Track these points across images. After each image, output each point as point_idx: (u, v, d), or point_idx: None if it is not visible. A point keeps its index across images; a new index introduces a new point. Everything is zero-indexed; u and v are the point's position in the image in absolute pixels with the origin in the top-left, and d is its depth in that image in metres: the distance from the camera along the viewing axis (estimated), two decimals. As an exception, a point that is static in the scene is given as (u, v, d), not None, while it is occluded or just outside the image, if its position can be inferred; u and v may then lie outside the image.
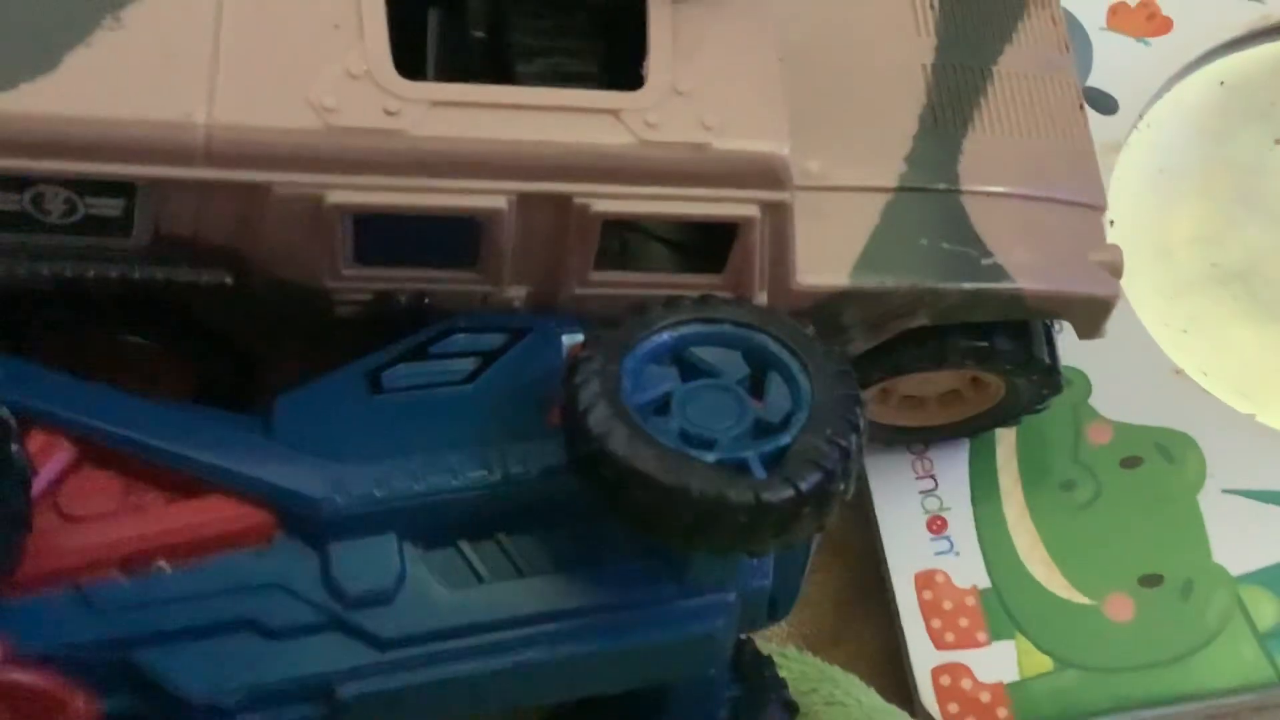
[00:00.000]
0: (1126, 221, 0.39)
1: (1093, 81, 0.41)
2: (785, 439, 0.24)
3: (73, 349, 0.27)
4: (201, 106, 0.25)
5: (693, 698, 0.29)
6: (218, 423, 0.26)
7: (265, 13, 0.26)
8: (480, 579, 0.26)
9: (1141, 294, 0.39)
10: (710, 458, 0.24)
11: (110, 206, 0.26)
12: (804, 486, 0.23)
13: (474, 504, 0.26)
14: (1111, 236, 0.39)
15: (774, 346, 0.25)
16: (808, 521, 0.24)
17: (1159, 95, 0.41)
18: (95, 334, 0.28)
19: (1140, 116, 0.41)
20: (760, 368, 0.25)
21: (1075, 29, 0.42)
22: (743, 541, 0.24)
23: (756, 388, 0.25)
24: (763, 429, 0.24)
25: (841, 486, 0.24)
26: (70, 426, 0.25)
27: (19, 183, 0.25)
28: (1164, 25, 0.41)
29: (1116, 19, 0.42)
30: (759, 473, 0.23)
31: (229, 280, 0.28)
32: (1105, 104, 0.41)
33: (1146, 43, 0.41)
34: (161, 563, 0.25)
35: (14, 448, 0.22)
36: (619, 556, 0.26)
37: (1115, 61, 0.42)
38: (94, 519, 0.25)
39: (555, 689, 0.27)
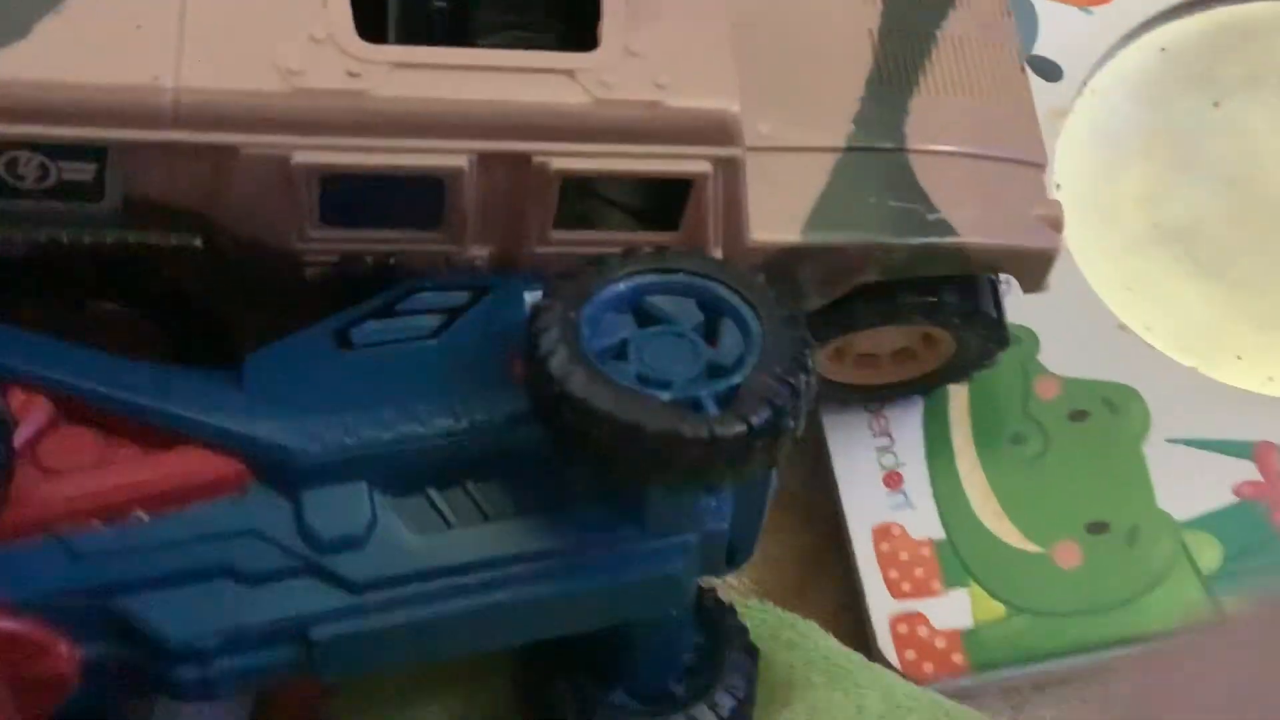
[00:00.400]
0: (1072, 185, 0.41)
1: (1038, 50, 0.43)
2: (737, 379, 0.25)
3: (48, 314, 0.28)
4: (169, 70, 0.26)
5: (657, 640, 0.31)
6: (191, 378, 0.27)
7: None
8: (449, 524, 0.27)
9: (1087, 254, 0.40)
10: (666, 397, 0.25)
11: (82, 171, 0.27)
12: (755, 421, 0.24)
13: (441, 452, 0.27)
14: (1058, 199, 0.41)
15: (726, 294, 0.27)
16: (760, 456, 0.25)
17: (1102, 62, 0.43)
18: (69, 299, 0.28)
19: (1084, 83, 0.43)
20: (713, 314, 0.26)
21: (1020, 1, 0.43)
22: (698, 476, 0.25)
23: (710, 333, 0.26)
24: (716, 370, 0.26)
25: (792, 422, 0.25)
26: (48, 385, 0.26)
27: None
28: None
29: None
30: (712, 410, 0.25)
31: (199, 243, 0.29)
32: (1050, 71, 0.42)
33: (1089, 12, 0.43)
34: (139, 512, 0.26)
35: (-4, 402, 0.23)
36: (582, 501, 0.27)
37: (1059, 30, 0.43)
38: (72, 471, 0.26)
39: (523, 630, 0.28)
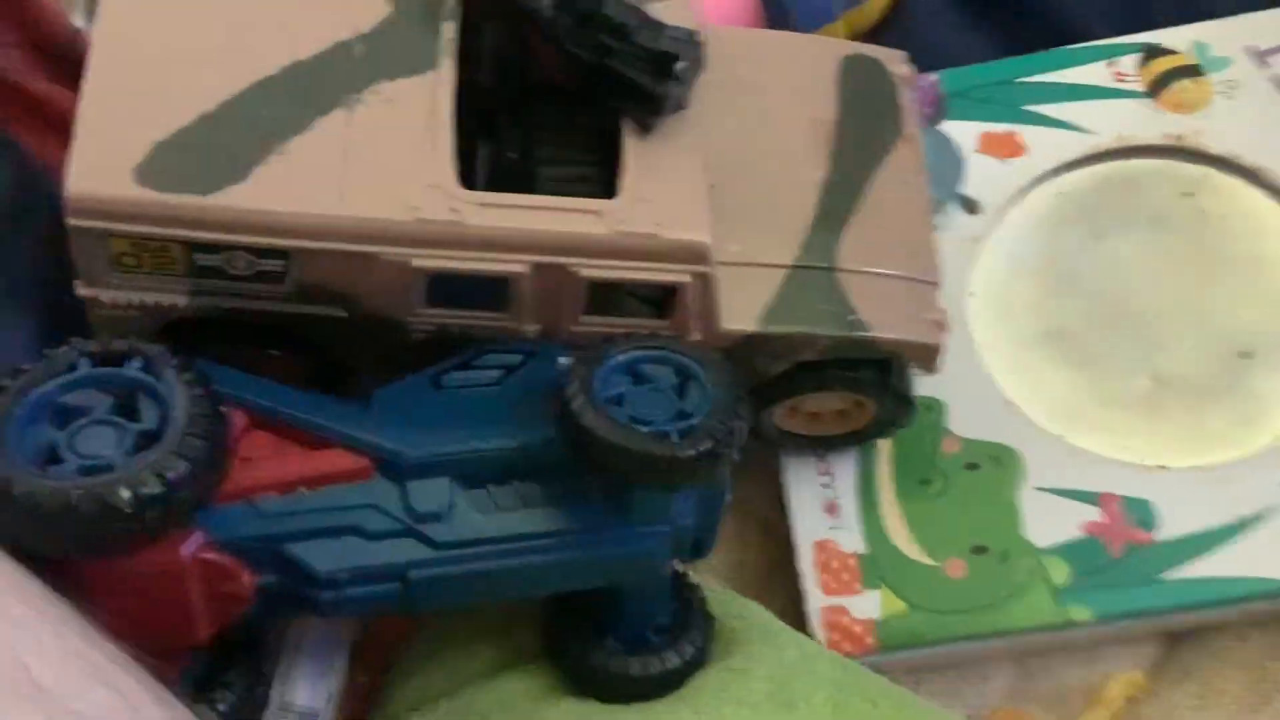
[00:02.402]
0: (982, 293, 0.49)
1: (965, 190, 0.51)
2: (695, 421, 0.36)
3: (240, 356, 0.39)
4: (335, 203, 0.36)
5: (640, 602, 0.40)
6: (337, 403, 0.38)
7: (375, 146, 0.37)
8: (499, 509, 0.37)
9: (987, 346, 0.48)
10: (646, 430, 0.35)
11: (274, 265, 0.37)
12: (702, 449, 0.35)
13: (498, 461, 0.37)
14: (972, 304, 0.49)
15: (692, 365, 0.37)
16: (706, 471, 0.35)
17: (1013, 201, 0.50)
18: (253, 347, 0.39)
19: (999, 217, 0.50)
20: (683, 378, 0.37)
21: (954, 151, 0.51)
22: (666, 482, 0.36)
23: (680, 391, 0.37)
24: (682, 415, 0.36)
25: (726, 450, 0.35)
26: (242, 403, 0.36)
27: (219, 248, 0.37)
28: (1020, 150, 0.51)
29: (986, 144, 0.51)
30: (676, 439, 0.35)
31: (342, 314, 0.39)
32: (973, 207, 0.50)
33: (1006, 162, 0.51)
34: (302, 489, 0.35)
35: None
36: (590, 498, 0.37)
37: (982, 176, 0.51)
38: (259, 460, 0.35)
39: (546, 585, 0.38)
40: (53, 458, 0.33)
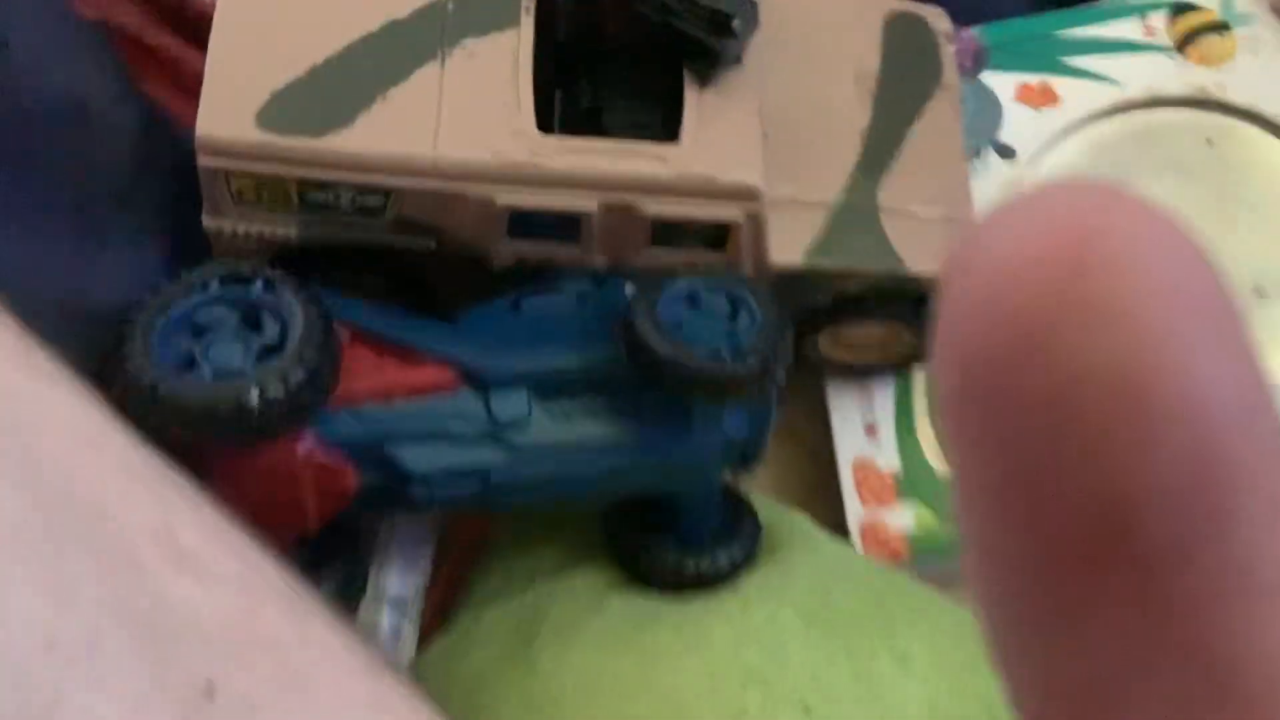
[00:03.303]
0: None
1: (1002, 137, 0.54)
2: (746, 342, 0.40)
3: (337, 282, 0.44)
4: (430, 145, 0.41)
5: (695, 505, 0.43)
6: (428, 323, 0.42)
7: (464, 95, 0.41)
8: (570, 419, 0.40)
9: None
10: (702, 350, 0.40)
11: (375, 200, 0.41)
12: (750, 366, 0.39)
13: (572, 375, 0.40)
14: None
15: (744, 294, 0.40)
16: (754, 386, 0.39)
17: (1047, 148, 0.53)
18: (354, 272, 0.44)
19: (1033, 162, 0.53)
20: (735, 306, 0.40)
21: (992, 100, 0.54)
22: (719, 396, 0.39)
23: (733, 316, 0.40)
24: (732, 338, 0.39)
25: (772, 369, 0.39)
26: (345, 322, 0.40)
27: (327, 185, 0.41)
28: (1054, 99, 0.54)
29: (1022, 94, 0.54)
30: (728, 358, 0.39)
31: (433, 245, 0.43)
32: (1009, 154, 0.54)
33: (1041, 112, 0.54)
34: (398, 398, 0.39)
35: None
36: (651, 411, 0.40)
37: (1018, 124, 0.54)
38: (361, 373, 0.39)
39: (609, 488, 0.42)
40: (189, 364, 0.38)
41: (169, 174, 0.46)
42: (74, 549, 0.30)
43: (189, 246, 0.44)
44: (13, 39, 0.43)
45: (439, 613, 0.48)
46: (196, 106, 0.47)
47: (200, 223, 0.43)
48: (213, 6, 0.50)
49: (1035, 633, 0.12)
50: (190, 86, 0.49)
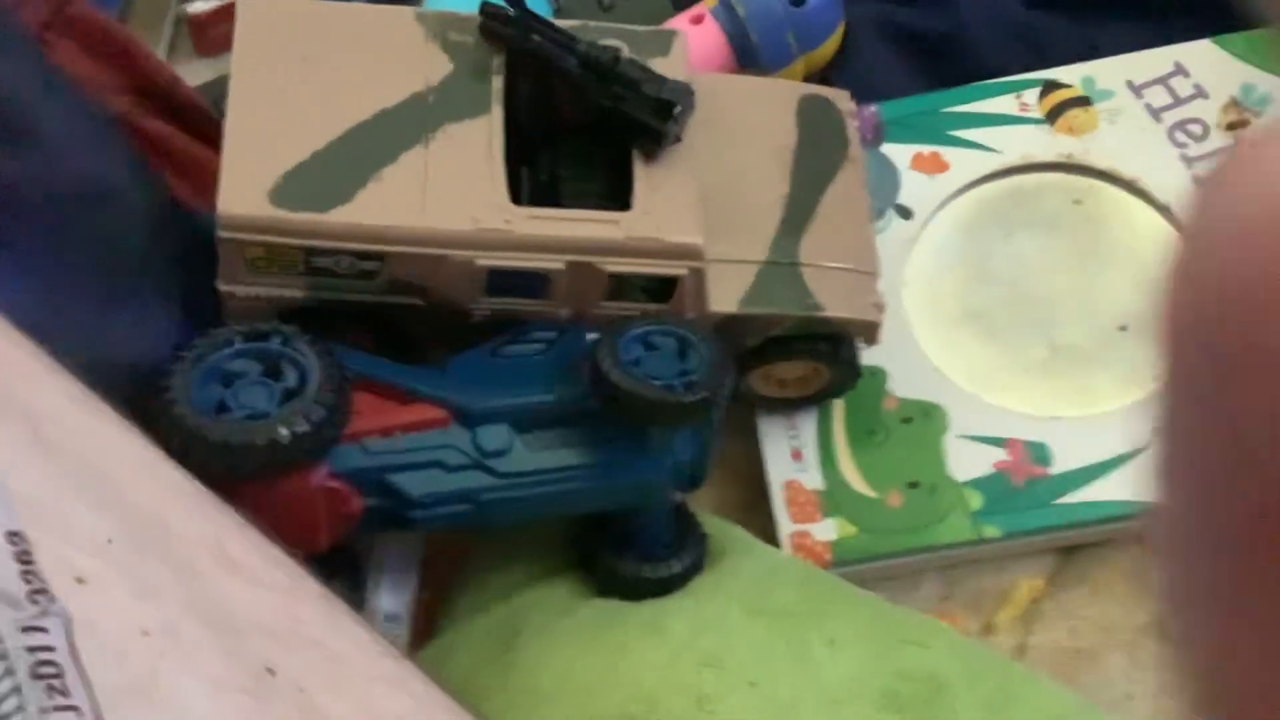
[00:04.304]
0: (914, 284, 0.58)
1: (900, 200, 0.59)
2: (694, 377, 0.47)
3: (335, 336, 0.51)
4: (419, 216, 0.46)
5: (652, 519, 0.48)
6: (420, 369, 0.47)
7: (446, 173, 0.47)
8: (544, 448, 0.45)
9: (920, 325, 0.57)
10: (658, 384, 0.46)
11: (372, 265, 0.46)
12: (699, 397, 0.45)
13: (544, 411, 0.46)
14: (906, 292, 0.59)
15: (691, 336, 0.46)
16: (701, 415, 0.45)
17: (939, 209, 0.59)
18: (350, 331, 0.49)
19: (927, 222, 0.59)
20: (683, 346, 0.46)
21: (891, 168, 0.61)
22: (670, 423, 0.45)
23: (682, 355, 0.46)
24: (683, 373, 0.45)
25: (718, 399, 0.45)
26: (352, 370, 0.45)
27: (330, 253, 0.47)
28: (944, 166, 0.61)
29: (916, 163, 0.61)
30: (680, 391, 0.45)
31: (420, 303, 0.48)
32: (907, 214, 0.59)
33: (933, 177, 0.60)
34: (398, 433, 0.45)
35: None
36: (613, 438, 0.46)
37: (914, 188, 0.59)
38: (365, 413, 0.45)
39: (578, 506, 0.47)
40: (221, 408, 0.44)
41: (178, 245, 0.52)
42: (152, 558, 0.36)
43: (198, 308, 0.50)
44: (45, 129, 0.49)
45: (425, 624, 0.54)
46: (186, 181, 0.53)
47: (206, 285, 0.49)
48: (194, 93, 0.57)
49: (1231, 603, 0.11)
50: (178, 162, 0.56)
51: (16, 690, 0.29)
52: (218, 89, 0.61)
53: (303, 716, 0.35)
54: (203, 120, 0.59)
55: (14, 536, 0.31)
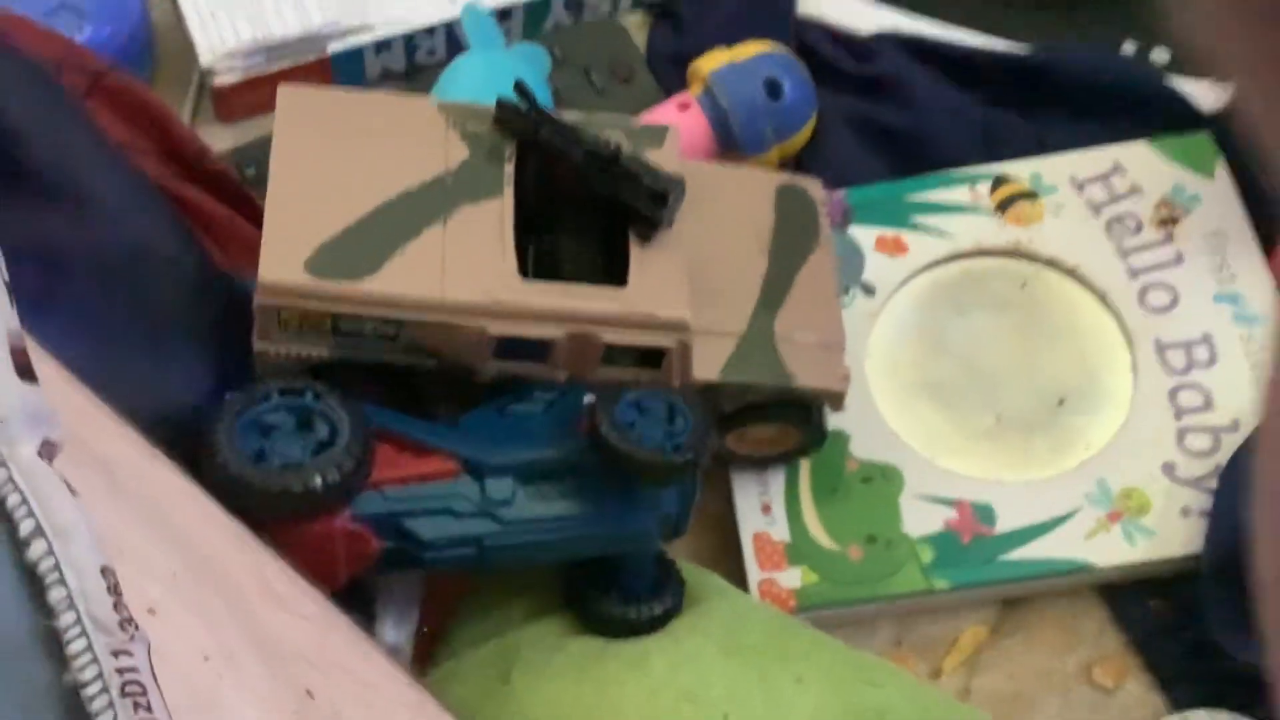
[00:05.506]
0: (877, 355, 0.62)
1: (864, 277, 0.64)
2: (681, 439, 0.52)
3: (354, 390, 0.56)
4: (438, 289, 0.50)
5: (637, 565, 0.52)
6: (434, 424, 0.52)
7: (462, 249, 0.53)
8: (544, 498, 0.49)
9: (880, 393, 0.61)
10: (650, 445, 0.51)
11: (392, 329, 0.50)
12: (686, 458, 0.49)
13: (545, 465, 0.49)
14: (868, 362, 0.64)
15: (677, 402, 0.51)
16: (687, 473, 0.49)
17: (899, 287, 0.64)
18: (370, 387, 0.54)
19: (888, 299, 0.63)
20: (671, 411, 0.51)
21: (856, 249, 0.66)
22: (662, 479, 0.49)
23: (670, 419, 0.51)
24: (671, 436, 0.50)
25: (702, 459, 0.49)
26: (371, 423, 0.54)
27: (356, 318, 0.51)
28: (904, 249, 0.66)
29: (880, 244, 0.65)
30: (669, 452, 0.51)
31: (433, 363, 0.53)
32: (870, 291, 0.64)
33: (894, 258, 0.64)
34: (414, 482, 0.50)
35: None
36: (605, 491, 0.49)
37: (877, 268, 0.64)
38: (385, 463, 0.49)
39: (572, 551, 0.50)
40: (259, 457, 0.49)
41: (214, 305, 0.57)
42: (209, 591, 0.41)
43: (233, 362, 0.55)
44: (97, 193, 0.54)
45: (424, 657, 0.59)
46: (216, 244, 0.58)
47: (238, 342, 0.55)
48: (221, 161, 0.62)
49: None
50: (209, 226, 0.61)
51: (110, 706, 0.34)
52: (240, 155, 0.67)
53: (337, 734, 0.40)
54: (229, 186, 0.64)
55: (105, 571, 0.36)
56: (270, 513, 0.48)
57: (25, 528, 0.33)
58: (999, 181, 0.67)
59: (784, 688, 0.51)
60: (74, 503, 0.34)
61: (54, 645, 0.32)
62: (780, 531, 0.59)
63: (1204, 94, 0.71)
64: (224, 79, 0.70)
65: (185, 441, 0.51)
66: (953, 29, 0.74)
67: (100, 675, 0.33)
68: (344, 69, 0.72)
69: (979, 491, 0.60)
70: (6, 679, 0.32)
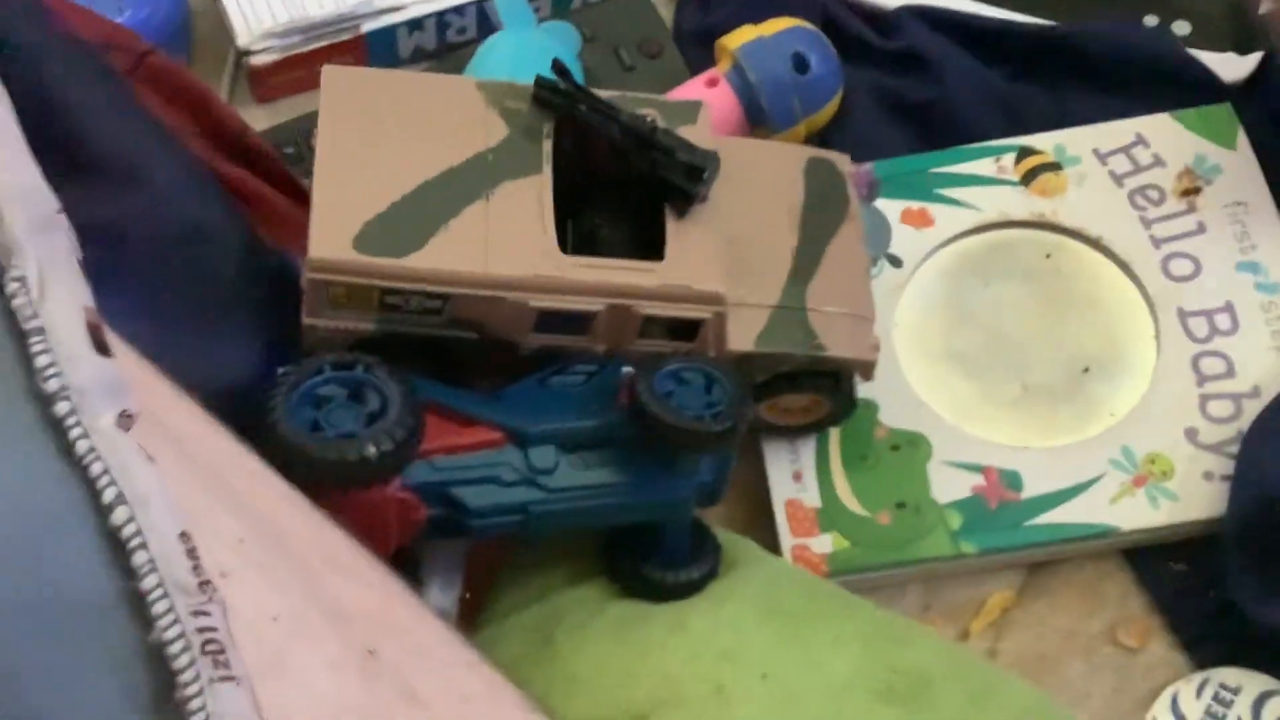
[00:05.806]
0: (904, 326, 0.63)
1: (891, 250, 0.65)
2: (719, 409, 0.54)
3: (407, 364, 0.57)
4: (482, 263, 0.51)
5: (675, 531, 0.53)
6: (479, 395, 0.53)
7: (504, 225, 0.54)
8: (586, 466, 0.50)
9: (908, 362, 0.62)
10: (689, 414, 0.53)
11: (436, 304, 0.51)
12: (725, 426, 0.50)
13: (586, 435, 0.50)
14: (897, 335, 0.65)
15: (715, 372, 0.52)
16: (726, 442, 0.51)
17: (926, 258, 0.64)
18: (413, 361, 0.55)
19: (915, 270, 0.64)
20: (709, 380, 0.52)
21: (883, 222, 0.66)
22: (700, 447, 0.51)
23: (708, 389, 0.52)
24: (710, 405, 0.51)
25: (740, 427, 0.50)
26: (420, 396, 0.54)
27: (402, 292, 0.53)
28: (930, 221, 0.66)
29: (906, 217, 0.66)
30: (708, 420, 0.51)
31: (476, 337, 0.54)
32: (897, 263, 0.65)
33: (921, 231, 0.65)
34: (461, 452, 0.50)
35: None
36: (645, 460, 0.51)
37: (904, 240, 0.64)
38: (434, 434, 0.49)
39: (613, 518, 0.52)
40: (314, 428, 0.51)
41: (262, 280, 0.58)
42: (274, 555, 0.43)
43: (279, 337, 0.57)
44: (149, 172, 0.56)
45: (468, 621, 0.61)
46: (261, 221, 0.60)
47: (285, 317, 0.56)
48: (262, 139, 0.63)
49: None
50: (252, 204, 0.62)
51: (193, 664, 0.35)
52: (277, 135, 0.68)
53: (400, 693, 0.42)
54: (270, 165, 0.65)
55: (184, 536, 0.37)
56: (326, 482, 0.49)
57: (108, 495, 0.34)
58: (1023, 154, 0.67)
59: (822, 647, 0.53)
60: (151, 470, 0.36)
61: (138, 607, 0.34)
62: (811, 498, 0.60)
63: (1225, 66, 0.72)
64: (260, 59, 0.71)
65: (238, 415, 0.52)
66: (976, 3, 0.75)
67: (183, 635, 0.34)
68: (378, 48, 0.73)
69: (1006, 458, 0.60)
70: (97, 640, 0.33)
